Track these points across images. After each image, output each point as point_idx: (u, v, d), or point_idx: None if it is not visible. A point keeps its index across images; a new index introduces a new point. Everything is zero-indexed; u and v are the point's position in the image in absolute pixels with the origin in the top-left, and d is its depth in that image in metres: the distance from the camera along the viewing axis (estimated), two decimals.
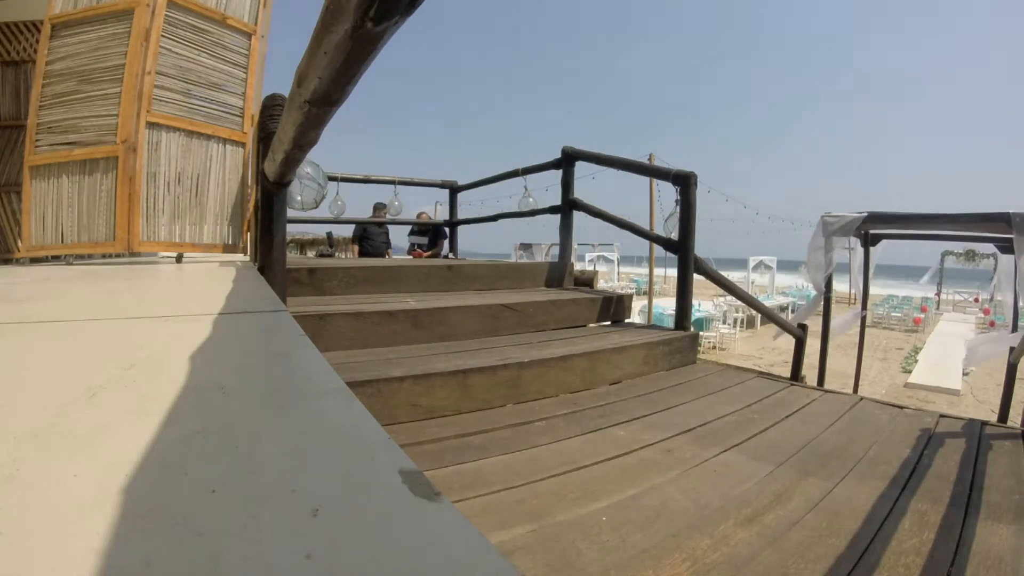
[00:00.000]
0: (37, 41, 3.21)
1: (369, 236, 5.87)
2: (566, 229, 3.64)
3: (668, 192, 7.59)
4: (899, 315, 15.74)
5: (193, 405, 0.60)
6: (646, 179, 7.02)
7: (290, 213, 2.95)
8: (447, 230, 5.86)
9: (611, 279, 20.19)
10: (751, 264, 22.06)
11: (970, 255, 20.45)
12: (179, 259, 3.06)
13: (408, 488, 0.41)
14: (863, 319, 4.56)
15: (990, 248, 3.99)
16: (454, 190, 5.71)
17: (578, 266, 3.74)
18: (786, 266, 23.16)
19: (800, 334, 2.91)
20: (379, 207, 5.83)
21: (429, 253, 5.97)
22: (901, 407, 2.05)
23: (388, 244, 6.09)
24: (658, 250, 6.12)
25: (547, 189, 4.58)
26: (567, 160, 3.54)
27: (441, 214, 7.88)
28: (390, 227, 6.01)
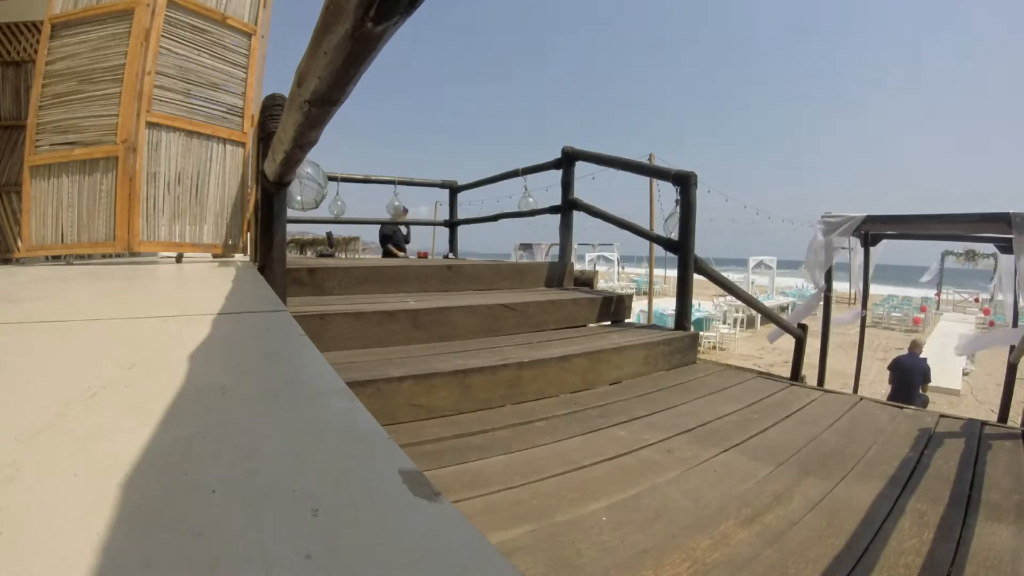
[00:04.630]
0: (37, 41, 3.21)
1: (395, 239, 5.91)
2: (566, 229, 3.64)
3: (668, 192, 7.60)
4: (899, 315, 15.74)
5: (193, 405, 0.60)
6: (646, 179, 7.02)
7: (290, 213, 2.95)
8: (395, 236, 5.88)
9: (611, 279, 20.19)
10: (751, 264, 22.06)
11: (970, 255, 20.44)
12: (179, 259, 3.06)
13: (408, 488, 0.41)
14: (863, 319, 4.56)
15: (990, 248, 3.99)
16: (454, 190, 5.71)
17: (578, 266, 3.74)
18: (786, 266, 23.15)
19: (800, 334, 2.91)
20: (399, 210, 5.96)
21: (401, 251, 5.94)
22: (901, 407, 2.05)
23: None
24: (658, 250, 6.13)
25: (547, 189, 4.58)
26: (567, 160, 3.54)
27: (441, 214, 7.89)
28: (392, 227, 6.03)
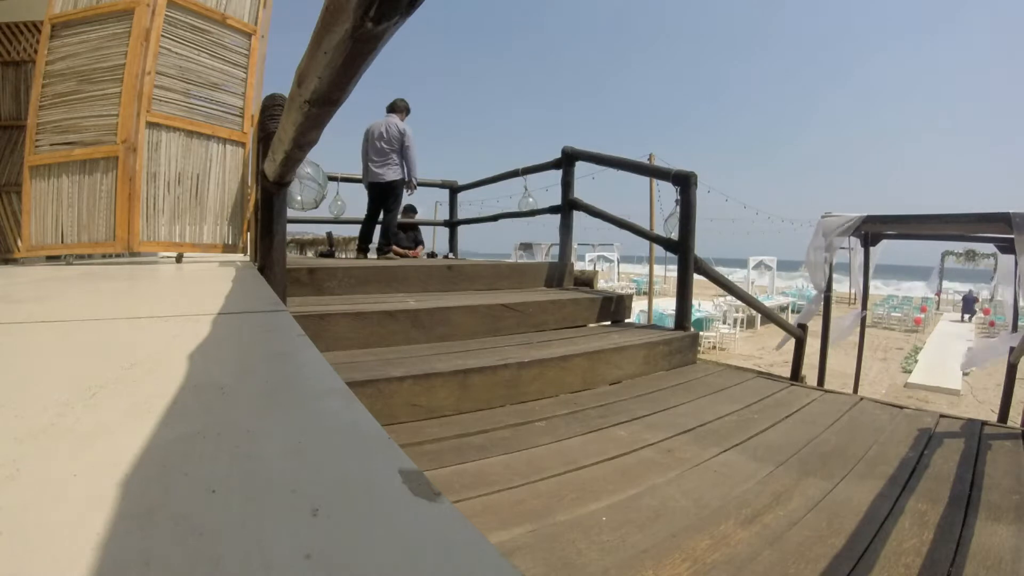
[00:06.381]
0: (37, 41, 3.21)
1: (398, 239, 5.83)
2: (566, 229, 3.65)
3: (668, 192, 7.60)
4: (899, 315, 15.75)
5: (193, 405, 0.60)
6: (646, 179, 7.01)
7: (290, 213, 2.95)
8: (422, 237, 5.81)
9: (611, 279, 20.18)
10: (751, 264, 22.07)
11: (970, 255, 20.48)
12: (179, 259, 3.06)
13: (408, 488, 0.40)
14: (863, 319, 4.56)
15: (990, 248, 3.99)
16: (454, 190, 5.71)
17: (578, 266, 3.74)
18: (786, 266, 23.17)
19: (800, 334, 2.91)
20: (409, 210, 5.86)
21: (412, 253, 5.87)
22: (901, 407, 2.05)
23: (419, 243, 5.97)
24: (658, 250, 6.13)
25: (547, 189, 4.60)
26: (567, 160, 3.54)
27: (441, 214, 7.89)
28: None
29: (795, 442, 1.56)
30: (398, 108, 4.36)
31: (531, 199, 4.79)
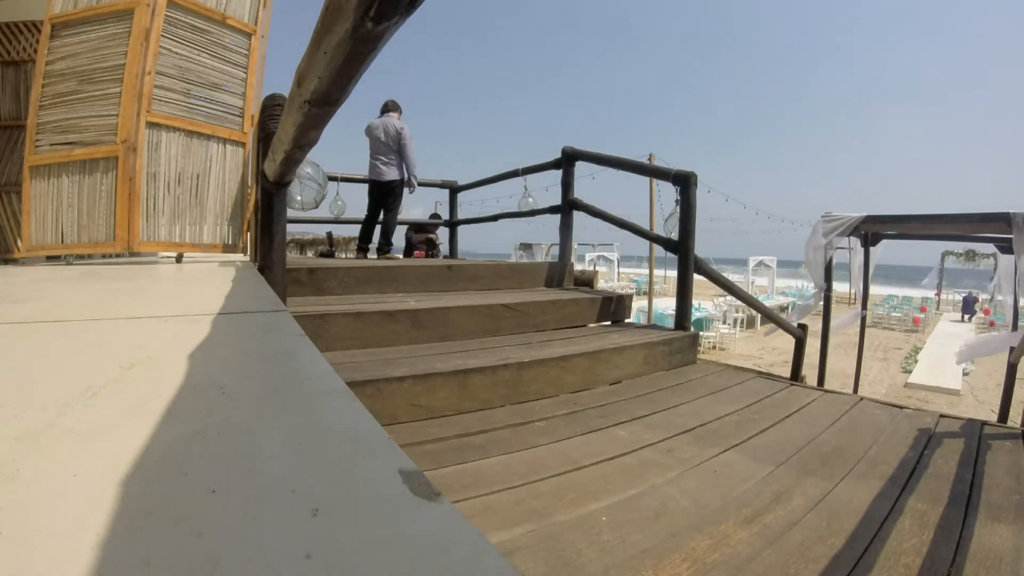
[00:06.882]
0: (37, 41, 3.21)
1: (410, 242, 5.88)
2: (566, 229, 3.64)
3: (668, 192, 7.60)
4: (899, 315, 15.75)
5: (193, 405, 0.60)
6: (646, 179, 7.01)
7: (290, 213, 2.95)
8: (439, 242, 5.87)
9: (611, 279, 20.18)
10: (751, 264, 22.07)
11: (970, 255, 20.50)
12: (179, 259, 3.06)
13: (408, 488, 0.41)
14: (863, 319, 4.56)
15: (990, 248, 4.00)
16: (454, 190, 5.71)
17: (578, 266, 3.74)
18: (786, 266, 23.18)
19: (800, 334, 2.91)
20: (434, 218, 5.95)
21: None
22: (901, 407, 2.05)
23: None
24: (658, 250, 6.14)
25: (547, 189, 4.60)
26: (567, 160, 3.54)
27: (441, 214, 7.90)
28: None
29: (795, 442, 1.56)
30: (390, 108, 4.39)
31: (531, 199, 4.79)
